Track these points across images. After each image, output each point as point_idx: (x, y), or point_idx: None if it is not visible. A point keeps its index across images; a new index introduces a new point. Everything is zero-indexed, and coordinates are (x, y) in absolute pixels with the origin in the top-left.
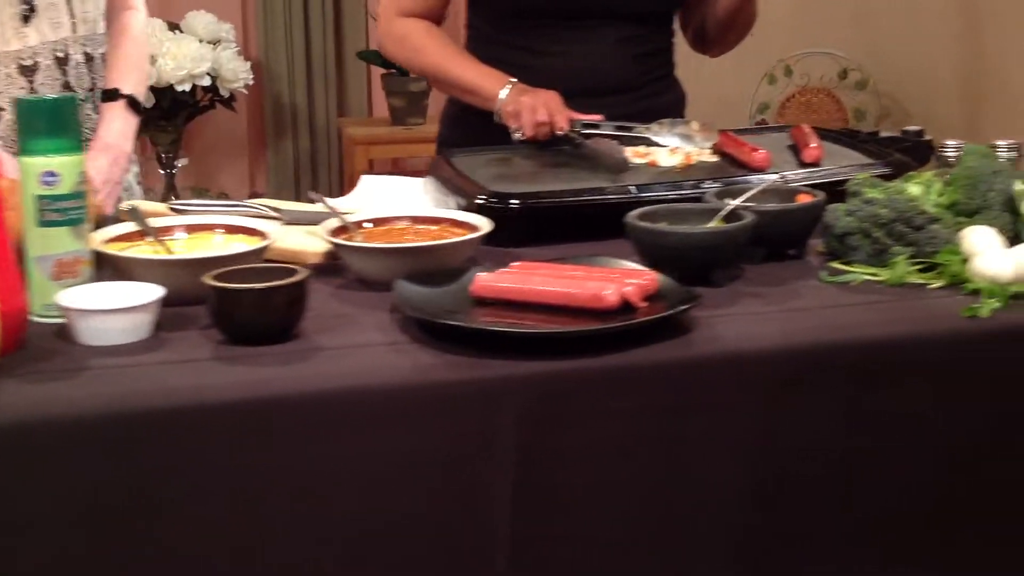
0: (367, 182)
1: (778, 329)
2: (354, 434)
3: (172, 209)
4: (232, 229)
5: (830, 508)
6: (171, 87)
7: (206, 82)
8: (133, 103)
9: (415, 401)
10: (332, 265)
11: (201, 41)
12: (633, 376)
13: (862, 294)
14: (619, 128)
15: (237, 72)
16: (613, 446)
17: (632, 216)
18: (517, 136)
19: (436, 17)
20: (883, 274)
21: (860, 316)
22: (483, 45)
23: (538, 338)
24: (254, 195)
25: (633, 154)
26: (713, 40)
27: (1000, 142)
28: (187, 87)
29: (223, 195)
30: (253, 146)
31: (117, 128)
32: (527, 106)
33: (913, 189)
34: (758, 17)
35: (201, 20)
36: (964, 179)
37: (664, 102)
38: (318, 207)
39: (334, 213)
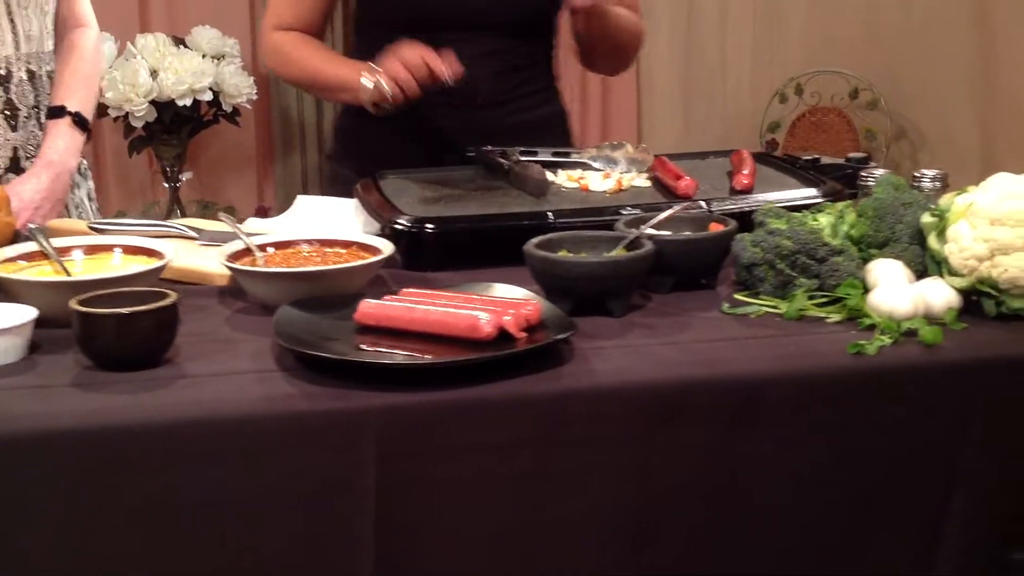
0: (303, 202)
1: (655, 363)
2: (205, 466)
3: (92, 228)
4: (130, 250)
5: (700, 546)
6: (172, 102)
7: (208, 97)
8: (79, 120)
9: (267, 433)
10: (239, 288)
11: (205, 56)
12: (498, 409)
13: (756, 327)
14: (556, 154)
15: (240, 87)
16: (477, 480)
17: (531, 244)
18: (387, 107)
19: (314, 31)
20: (783, 307)
21: (741, 352)
22: (358, 59)
23: (397, 369)
24: (261, 209)
25: (567, 178)
26: (587, 58)
27: (926, 172)
28: (188, 102)
29: (230, 208)
30: (261, 159)
31: (61, 146)
32: (386, 70)
33: (822, 219)
34: (769, 35)
35: (206, 35)
36: (872, 210)
37: (537, 117)
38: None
39: (239, 236)
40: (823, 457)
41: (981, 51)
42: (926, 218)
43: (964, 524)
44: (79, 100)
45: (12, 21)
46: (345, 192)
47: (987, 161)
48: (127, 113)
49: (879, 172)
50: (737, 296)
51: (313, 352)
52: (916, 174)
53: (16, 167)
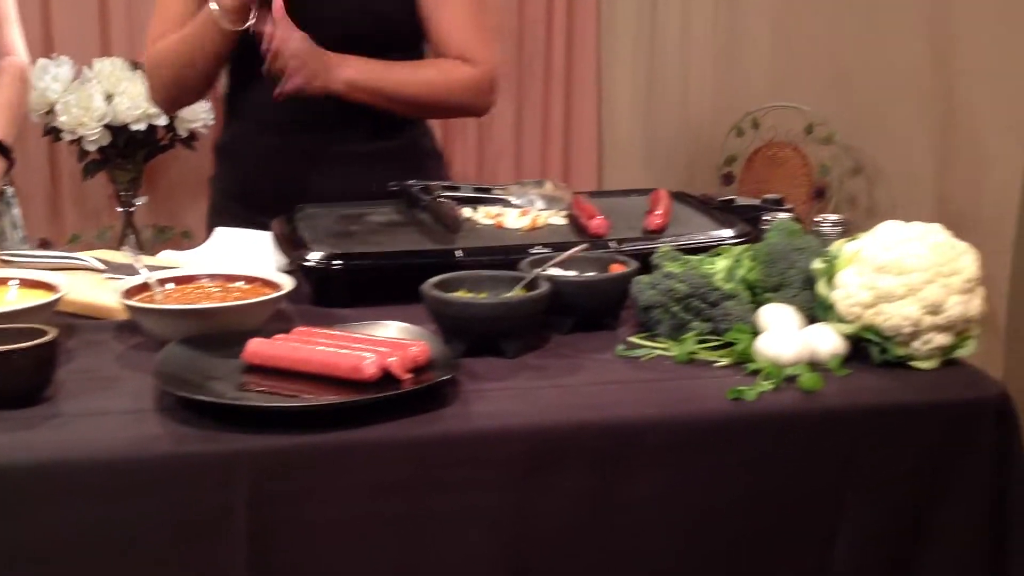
0: (220, 235)
1: (537, 406)
2: (74, 507)
3: (1, 259)
4: (28, 283)
5: None
6: (127, 126)
7: (163, 121)
8: (2, 149)
9: (135, 475)
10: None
11: None
12: (374, 451)
13: (645, 370)
14: (477, 190)
15: (196, 112)
16: (353, 523)
17: (428, 284)
18: (250, 21)
19: None
20: (675, 349)
21: (624, 395)
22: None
23: (270, 411)
24: None
25: (486, 215)
26: None
27: (827, 217)
28: (143, 126)
29: (185, 234)
30: None
31: None
32: None
33: (719, 263)
34: (730, 69)
35: None
36: (765, 255)
37: (401, 144)
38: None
39: (139, 269)
40: (702, 502)
41: (938, 87)
42: (816, 264)
43: (849, 570)
44: (3, 127)
45: None
46: (229, 223)
47: (942, 196)
48: (81, 137)
49: (781, 216)
50: (633, 338)
51: (182, 393)
52: (817, 219)
53: None
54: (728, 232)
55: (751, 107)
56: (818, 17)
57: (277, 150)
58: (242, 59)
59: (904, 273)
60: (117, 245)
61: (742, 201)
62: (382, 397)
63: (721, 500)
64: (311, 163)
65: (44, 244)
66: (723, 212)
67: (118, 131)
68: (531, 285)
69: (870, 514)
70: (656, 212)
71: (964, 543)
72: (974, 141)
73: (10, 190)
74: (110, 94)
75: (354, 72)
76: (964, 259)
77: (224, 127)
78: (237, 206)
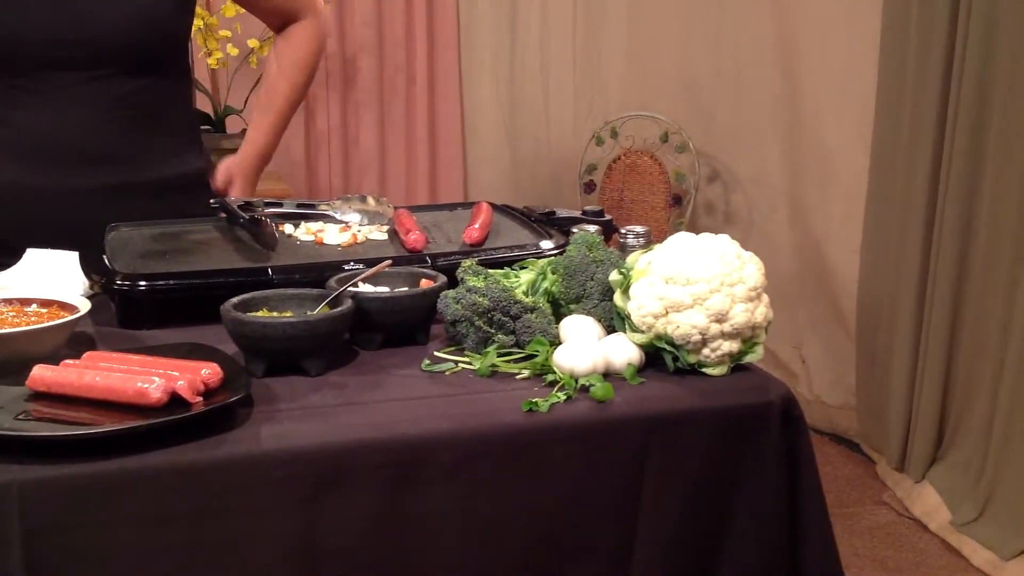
0: (31, 255)
1: (328, 425)
2: None
3: None
4: None
5: None
6: None
7: None
8: None
9: None
10: None
11: None
12: (153, 479)
13: (446, 385)
14: (300, 205)
15: None
16: (132, 554)
17: (228, 304)
18: None
19: None
20: (477, 363)
21: (420, 411)
22: None
23: (37, 442)
24: None
25: (306, 231)
26: None
27: (632, 229)
28: None
29: None
30: None
31: None
32: None
33: (523, 276)
34: (588, 79)
35: None
36: (563, 268)
37: (173, 173)
38: None
39: None
40: (496, 514)
41: (785, 93)
42: (614, 276)
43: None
44: None
45: None
46: None
47: (795, 200)
48: None
49: (589, 228)
50: (439, 353)
51: None
52: (622, 230)
53: None
54: (543, 244)
55: (610, 116)
56: (670, 27)
57: (35, 188)
58: None
59: (691, 283)
60: None
61: (563, 213)
62: (162, 423)
63: (515, 511)
64: (74, 199)
65: None
66: (542, 224)
67: None
68: (335, 303)
69: (665, 520)
70: (474, 226)
71: (760, 542)
72: (821, 145)
73: None
74: None
75: (264, 139)
76: (749, 268)
77: None
78: None
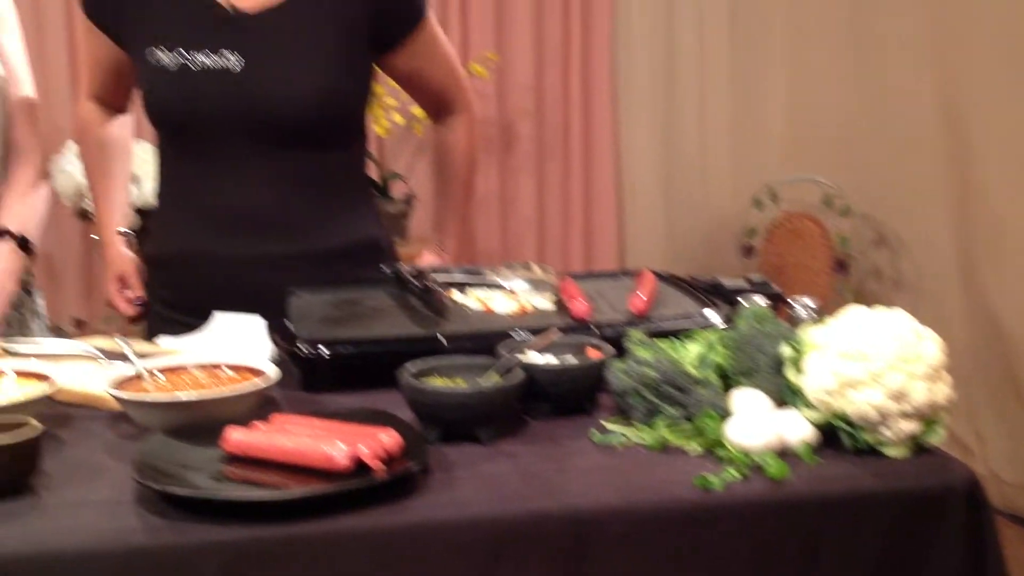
0: (219, 320)
1: (502, 494)
2: None
3: (3, 349)
4: (24, 374)
5: None
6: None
7: None
8: (22, 243)
9: (106, 567)
10: None
11: None
12: (337, 543)
13: (616, 457)
14: (467, 273)
15: None
16: None
17: (404, 370)
18: None
19: (116, 104)
20: (647, 436)
21: (592, 482)
22: (161, 162)
23: (234, 504)
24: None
25: (474, 299)
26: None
27: (799, 299)
28: None
29: None
30: None
31: (1, 267)
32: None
33: (691, 348)
34: (746, 140)
35: None
36: (733, 342)
37: (347, 241)
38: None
39: (130, 359)
40: None
41: (953, 155)
42: (785, 350)
43: None
44: (22, 222)
45: None
46: (168, 330)
47: (966, 266)
48: None
49: (756, 300)
50: (607, 424)
51: (154, 485)
52: (790, 300)
53: None
54: (709, 314)
55: (768, 179)
56: (831, 89)
57: (216, 255)
58: (175, 162)
59: (867, 360)
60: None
61: (728, 283)
62: (349, 488)
63: None
64: (252, 266)
65: (78, 324)
66: (707, 294)
67: (146, 213)
68: (506, 371)
69: None
70: (639, 294)
71: None
72: (992, 209)
73: (32, 280)
74: (137, 178)
75: (453, 241)
76: (927, 345)
77: (157, 233)
78: (176, 313)
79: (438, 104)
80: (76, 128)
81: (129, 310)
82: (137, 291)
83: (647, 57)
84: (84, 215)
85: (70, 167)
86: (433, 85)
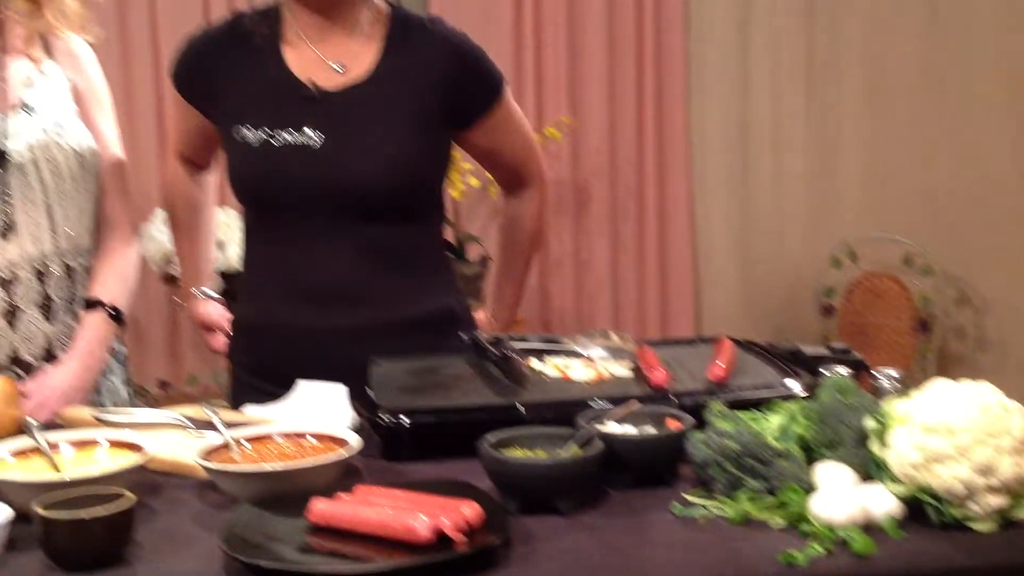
0: (303, 388)
1: (582, 569)
2: None
3: (96, 419)
4: (116, 444)
5: None
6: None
7: None
8: (113, 313)
9: None
10: None
11: None
12: None
13: (697, 531)
14: (545, 340)
15: None
16: None
17: (484, 441)
18: None
19: (202, 163)
20: (729, 509)
21: (673, 558)
22: (246, 234)
23: None
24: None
25: (551, 366)
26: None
27: (883, 370)
28: None
29: None
30: None
31: (92, 336)
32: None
33: (773, 419)
34: (823, 198)
35: None
36: (816, 414)
37: (425, 311)
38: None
39: (217, 428)
40: None
41: None
42: (869, 422)
43: None
44: (113, 293)
45: (52, 219)
46: (252, 398)
47: None
48: None
49: (838, 369)
50: (689, 496)
51: (241, 556)
52: (874, 371)
53: (50, 357)
54: (790, 384)
55: (847, 237)
56: (909, 146)
57: (296, 325)
58: (259, 233)
59: (953, 434)
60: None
61: (808, 350)
62: (431, 561)
63: None
64: (331, 337)
65: (163, 385)
66: (788, 362)
67: (231, 277)
68: (586, 442)
69: None
70: (718, 362)
71: None
72: None
73: (123, 350)
74: (221, 243)
75: (509, 313)
76: (1014, 419)
77: (242, 301)
78: (258, 380)
79: (512, 177)
80: (163, 185)
81: (220, 345)
82: (224, 328)
83: (721, 115)
84: (170, 279)
85: (158, 234)
86: (508, 159)
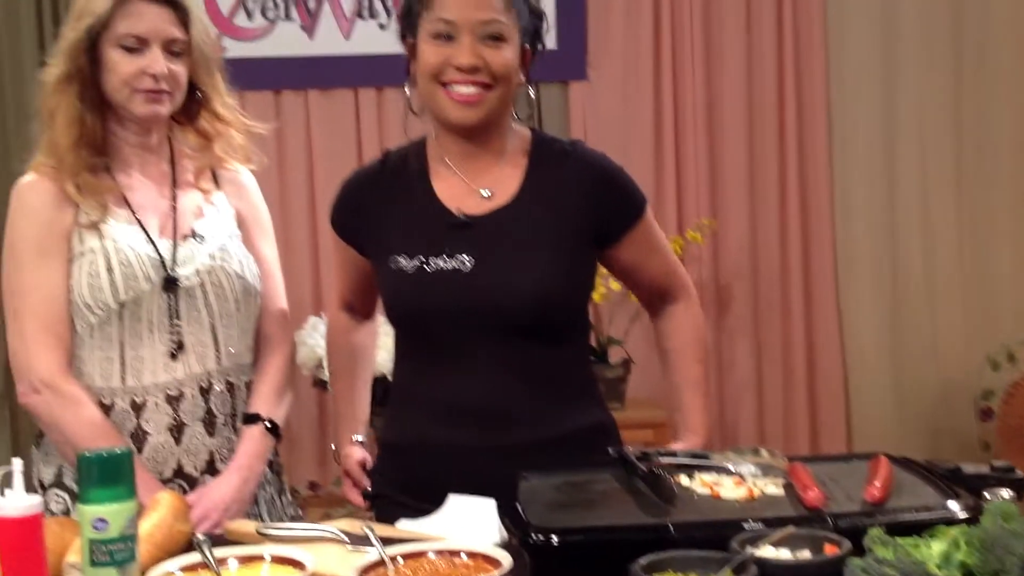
0: (453, 502)
1: None
2: None
3: (259, 532)
4: (278, 559)
5: None
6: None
7: None
8: (271, 427)
9: None
10: None
11: None
12: None
13: None
14: (693, 456)
15: None
16: None
17: (637, 565)
18: None
19: (360, 306)
20: None
21: None
22: (397, 357)
23: None
24: None
25: (701, 483)
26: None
27: None
28: None
29: None
30: None
31: (252, 450)
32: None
33: (935, 546)
34: (979, 299)
35: None
36: (979, 541)
37: (572, 428)
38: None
39: (375, 544)
40: None
41: None
42: None
43: None
44: (272, 408)
45: (216, 339)
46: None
47: None
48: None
49: (1001, 492)
50: None
51: None
52: None
53: (212, 469)
54: (951, 506)
55: (1004, 339)
56: None
57: (446, 444)
58: (411, 355)
59: None
60: None
61: (969, 469)
62: None
63: None
64: (480, 455)
65: (312, 486)
66: (947, 482)
67: (377, 381)
68: (741, 567)
69: None
70: (875, 483)
71: None
72: None
73: (280, 462)
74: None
75: (705, 431)
76: None
77: (391, 419)
78: (405, 496)
79: (655, 293)
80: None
81: (358, 501)
82: (363, 483)
83: (867, 215)
84: (320, 384)
85: (311, 340)
86: (650, 275)
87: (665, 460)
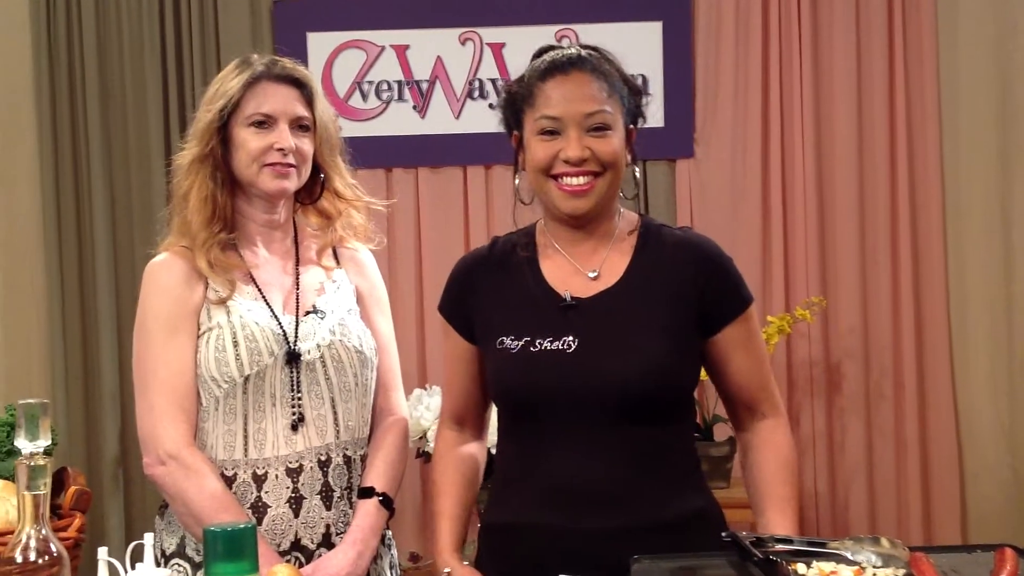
0: None
1: None
2: None
3: None
4: None
5: None
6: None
7: None
8: (385, 501)
9: None
10: None
11: None
12: None
13: None
14: (810, 543)
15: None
16: None
17: None
18: None
19: (471, 420)
20: None
21: None
22: (501, 436)
23: None
24: None
25: (819, 572)
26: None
27: None
28: None
29: None
30: None
31: (367, 524)
32: None
33: None
34: None
35: None
36: None
37: (675, 513)
38: None
39: None
40: None
41: None
42: None
43: None
44: (386, 482)
45: (335, 413)
46: None
47: None
48: None
49: None
50: None
51: None
52: None
53: (327, 542)
54: None
55: None
56: None
57: (551, 527)
58: (516, 436)
59: None
60: None
61: None
62: None
63: None
64: (584, 538)
65: (414, 558)
66: None
67: None
68: None
69: None
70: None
71: None
72: None
73: (389, 534)
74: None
75: (792, 525)
76: None
77: (495, 502)
78: None
79: (743, 403)
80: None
81: None
82: None
83: (983, 291)
84: (423, 455)
85: (415, 413)
86: (742, 379)
87: (780, 547)
